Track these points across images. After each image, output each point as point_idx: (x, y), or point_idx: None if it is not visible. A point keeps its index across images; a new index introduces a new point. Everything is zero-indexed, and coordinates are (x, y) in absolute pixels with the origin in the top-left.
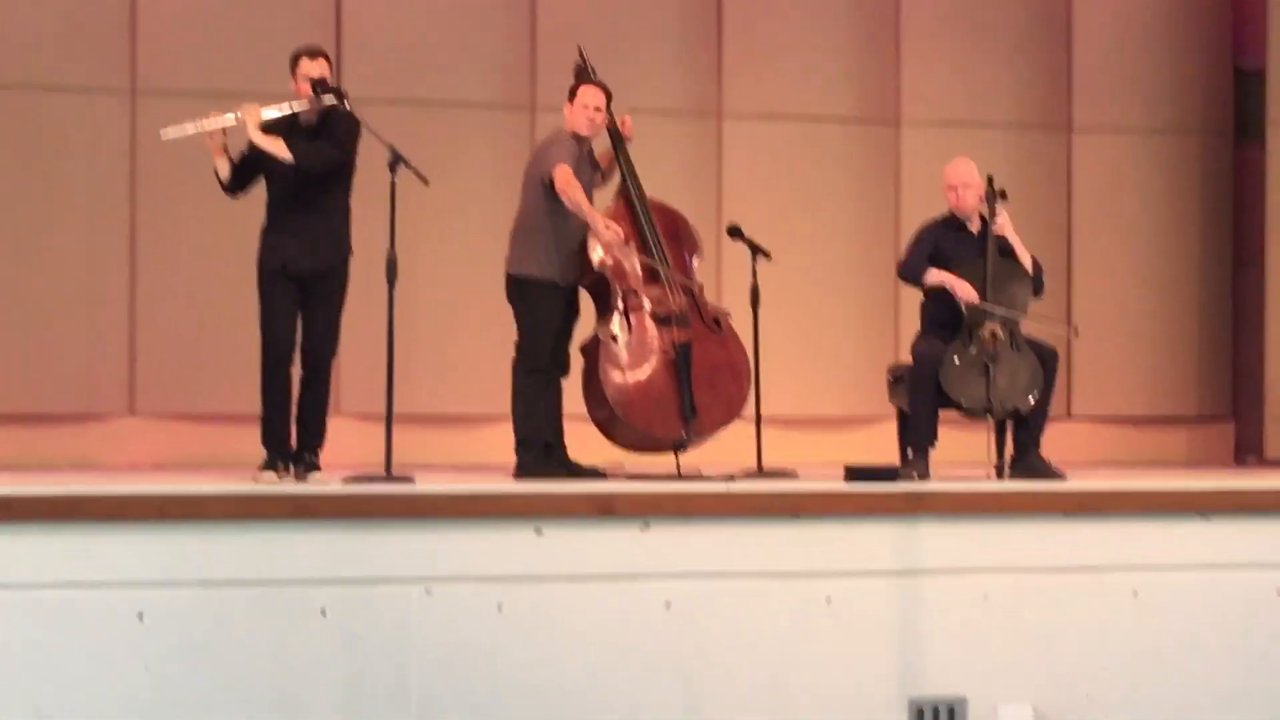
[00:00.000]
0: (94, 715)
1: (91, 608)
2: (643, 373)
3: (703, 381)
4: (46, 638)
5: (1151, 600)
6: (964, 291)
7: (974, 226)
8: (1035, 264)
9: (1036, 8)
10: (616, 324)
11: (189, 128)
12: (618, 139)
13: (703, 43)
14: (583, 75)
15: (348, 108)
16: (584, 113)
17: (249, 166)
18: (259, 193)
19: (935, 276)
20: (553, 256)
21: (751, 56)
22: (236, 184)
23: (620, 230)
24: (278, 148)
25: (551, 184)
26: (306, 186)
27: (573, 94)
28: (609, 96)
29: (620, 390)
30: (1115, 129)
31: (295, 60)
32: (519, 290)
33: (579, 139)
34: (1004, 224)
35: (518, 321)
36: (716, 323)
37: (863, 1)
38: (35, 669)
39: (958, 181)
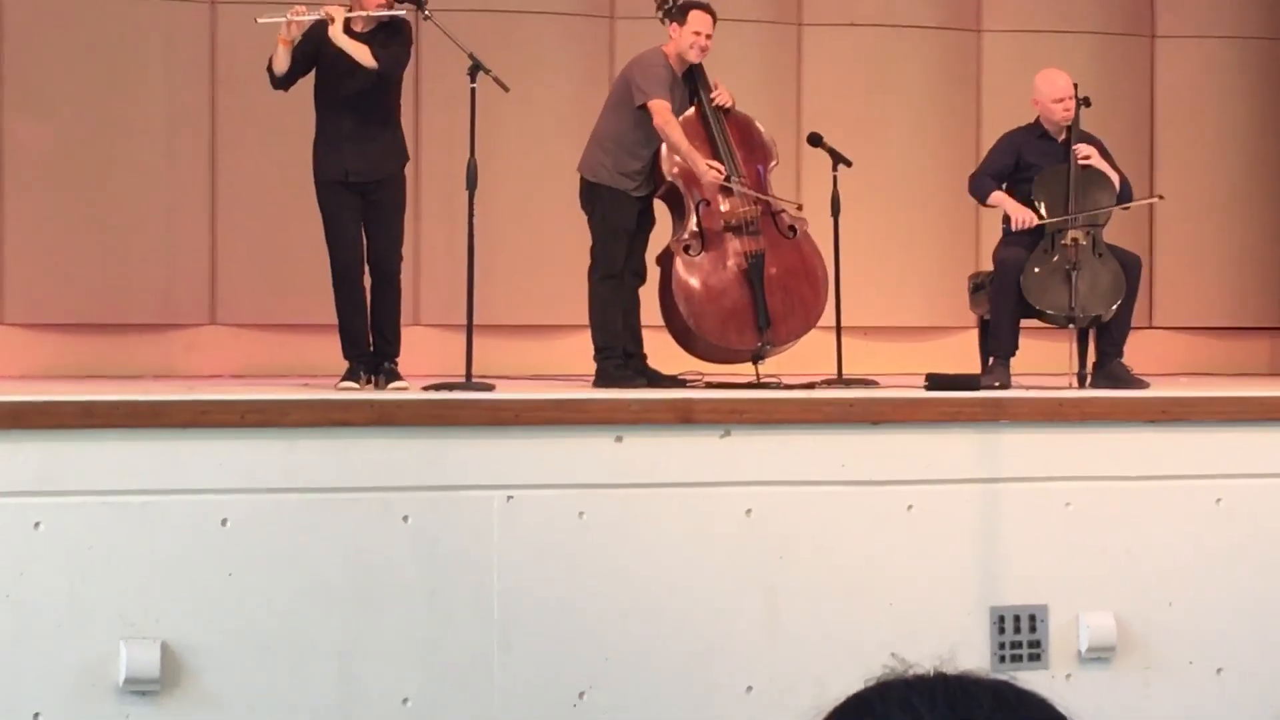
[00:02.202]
0: (177, 620)
1: (175, 514)
2: (715, 283)
3: (777, 291)
4: (130, 543)
5: (1234, 507)
6: (1020, 218)
7: (1059, 136)
8: (1122, 179)
9: None
10: (689, 233)
11: (281, 18)
12: (703, 81)
13: None
14: None
15: (427, 14)
16: (695, 39)
17: (301, 63)
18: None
19: (996, 198)
20: (627, 166)
21: None
22: (289, 79)
23: (722, 170)
24: (361, 52)
25: (643, 107)
26: (363, 94)
27: (682, 15)
28: (714, 19)
29: (693, 301)
30: (1200, 33)
31: None
32: (592, 195)
33: (673, 63)
34: (1089, 154)
35: (591, 227)
36: (792, 230)
37: None
38: (119, 574)
39: (1061, 95)
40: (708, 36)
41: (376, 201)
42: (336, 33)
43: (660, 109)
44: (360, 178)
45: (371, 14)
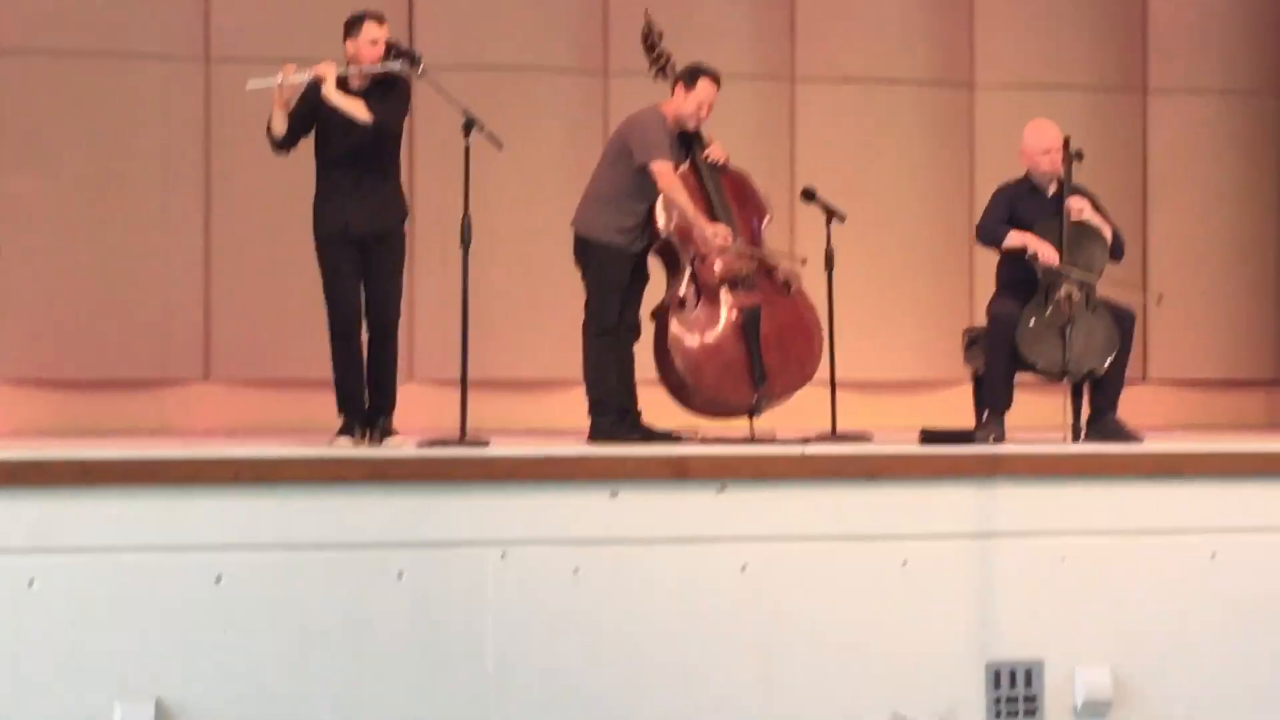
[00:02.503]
0: (172, 678)
1: (170, 570)
2: (711, 338)
3: (772, 345)
4: (126, 600)
5: (1229, 562)
6: (1045, 253)
7: (1050, 189)
8: (1115, 232)
9: None
10: (685, 289)
11: (272, 80)
12: (699, 141)
13: (775, 6)
14: (649, 39)
15: (421, 71)
16: (698, 108)
17: (300, 123)
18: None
19: (1015, 238)
20: (622, 223)
21: (824, 18)
22: (290, 141)
23: (728, 234)
24: (356, 107)
25: (643, 167)
26: (363, 150)
27: (692, 81)
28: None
29: (689, 355)
30: (1191, 90)
31: (358, 23)
32: (586, 251)
33: (670, 125)
34: (1082, 208)
35: (585, 283)
36: (786, 285)
37: None
38: (114, 632)
39: (1050, 145)
40: (709, 106)
41: (376, 256)
42: (329, 90)
43: (664, 171)
44: (361, 231)
45: (366, 70)
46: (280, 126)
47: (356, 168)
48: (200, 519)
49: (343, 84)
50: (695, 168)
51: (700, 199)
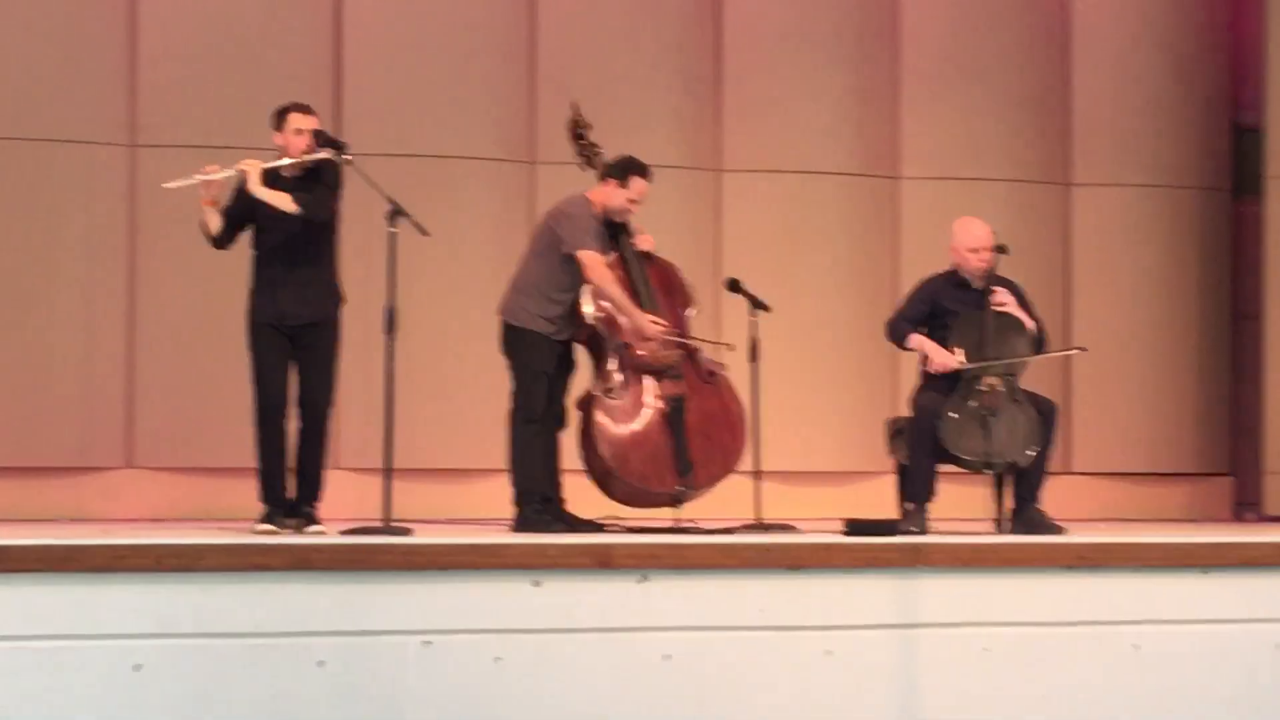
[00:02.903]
0: None
1: (88, 659)
2: (636, 427)
3: (697, 435)
4: (42, 689)
5: (1152, 654)
6: (940, 362)
7: (976, 283)
8: (1038, 324)
9: (1036, 63)
10: (610, 378)
11: (192, 180)
12: (625, 228)
13: (701, 96)
14: (577, 129)
15: (348, 158)
16: (629, 205)
17: (237, 218)
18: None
19: (915, 341)
20: (548, 312)
21: (750, 110)
22: (227, 237)
23: (666, 326)
24: (282, 201)
25: (571, 256)
26: (297, 239)
27: (624, 177)
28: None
29: (614, 444)
30: (1114, 183)
31: (284, 115)
32: (514, 339)
33: (598, 214)
34: (1006, 302)
35: (512, 371)
36: (711, 375)
37: (862, 56)
38: None
39: (979, 245)
40: (640, 203)
41: (309, 345)
42: (253, 185)
43: (593, 262)
44: (294, 321)
45: (292, 161)
46: (213, 225)
47: (290, 258)
48: (119, 607)
49: (276, 176)
50: (623, 258)
51: (628, 289)
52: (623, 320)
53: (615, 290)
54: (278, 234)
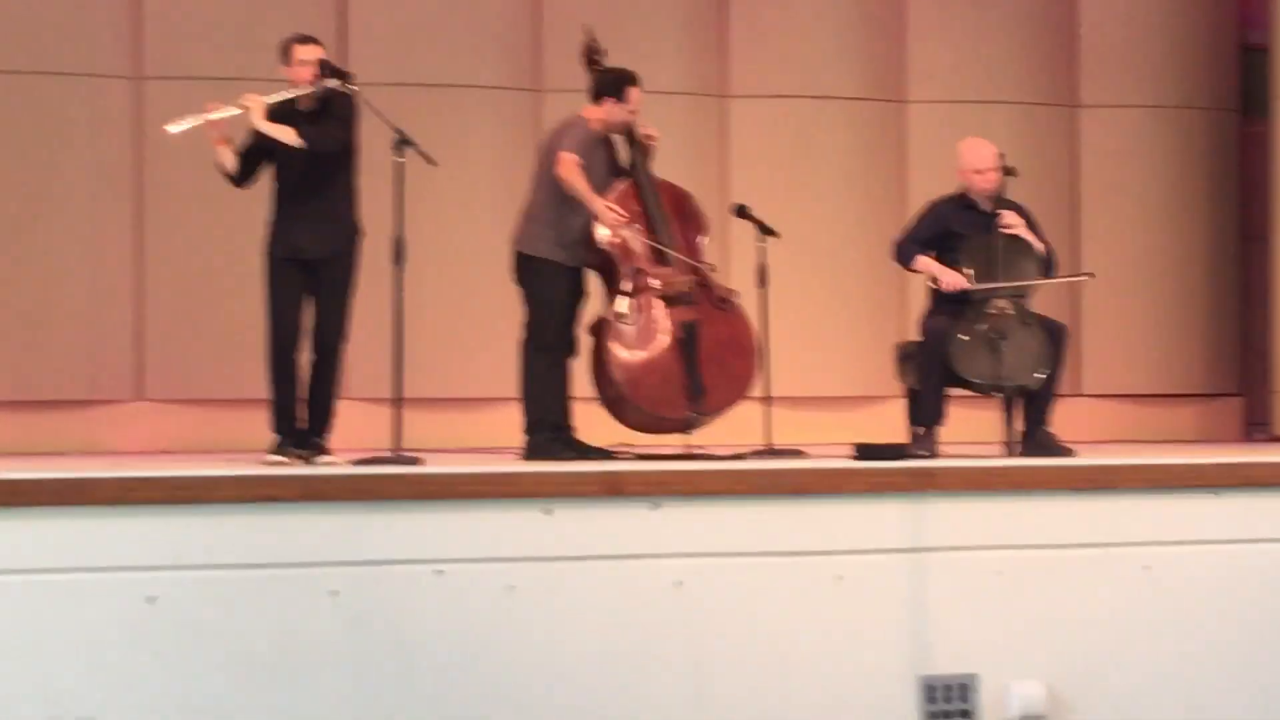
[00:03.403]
0: (103, 699)
1: (100, 591)
2: (648, 352)
3: (710, 361)
4: (55, 622)
5: (1163, 575)
6: (949, 281)
7: (985, 205)
8: (1048, 247)
9: None
10: (622, 303)
11: (193, 120)
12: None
13: (707, 23)
14: (591, 56)
15: (354, 89)
16: (630, 116)
17: (255, 156)
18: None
19: (921, 264)
20: (561, 237)
21: (756, 36)
22: (243, 175)
23: (623, 212)
24: (287, 135)
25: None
26: (313, 172)
27: (619, 92)
28: None
29: (626, 370)
30: (1122, 104)
31: (289, 47)
32: (526, 268)
33: (597, 130)
34: (1014, 224)
35: (525, 300)
36: (724, 301)
37: None
38: (44, 653)
39: (984, 165)
40: (638, 111)
41: (324, 278)
42: (257, 120)
43: (564, 159)
44: (310, 255)
45: (295, 93)
46: (228, 163)
47: (306, 192)
48: (131, 539)
49: (292, 110)
50: (638, 184)
51: (641, 215)
52: (635, 245)
53: (578, 181)
54: (293, 169)
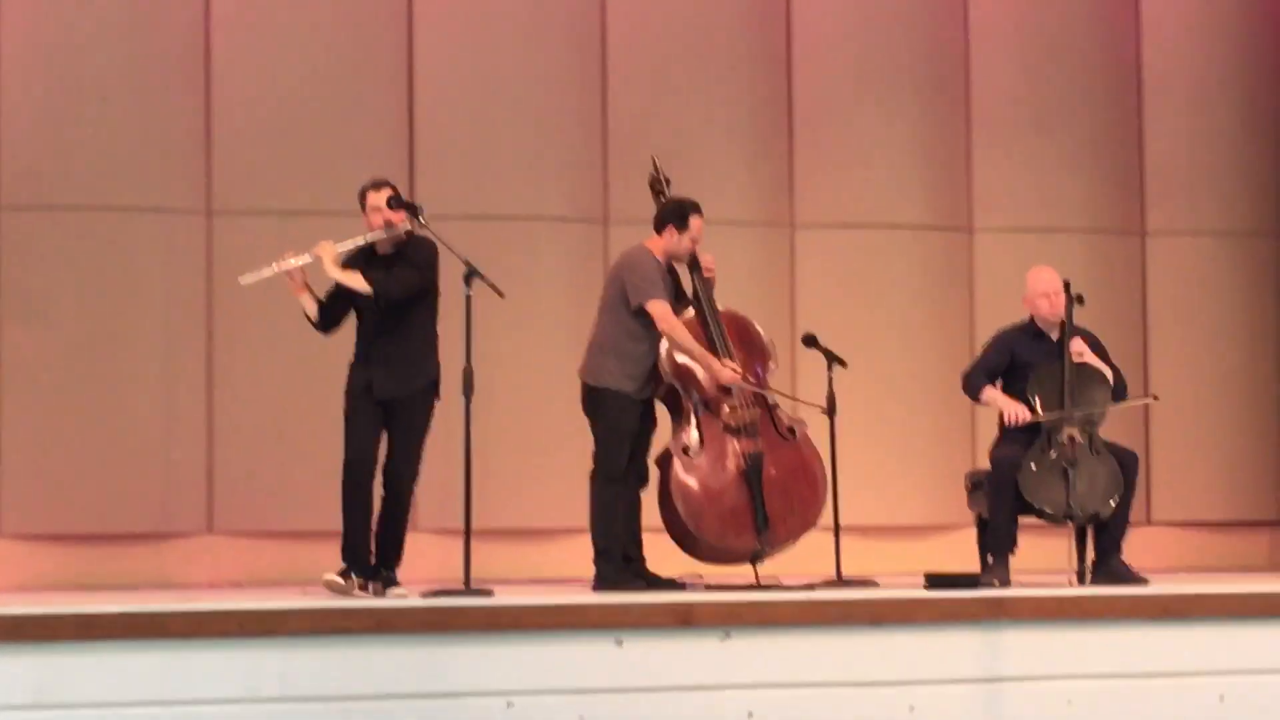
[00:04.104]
0: None
1: None
2: (714, 484)
3: (775, 492)
4: None
5: (1238, 705)
6: (1011, 414)
7: (1053, 333)
8: (1116, 373)
9: (1106, 110)
10: (688, 435)
11: (266, 271)
12: (692, 255)
13: (773, 152)
14: (656, 185)
15: (422, 221)
16: (692, 245)
17: (340, 301)
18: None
19: (988, 395)
20: (627, 369)
21: (822, 165)
22: (327, 320)
23: (739, 370)
24: (355, 281)
25: (640, 309)
26: (390, 315)
27: (681, 221)
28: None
29: (691, 502)
30: (1189, 231)
31: (364, 195)
32: (594, 399)
33: (660, 260)
34: (1081, 351)
35: (594, 432)
36: (792, 431)
37: (933, 107)
38: None
39: (1050, 289)
40: (701, 238)
41: (398, 417)
42: (328, 267)
43: (662, 311)
44: (384, 396)
45: (368, 240)
46: (310, 310)
47: (383, 334)
48: (203, 672)
49: (372, 255)
50: (701, 314)
51: (705, 345)
52: (701, 376)
53: (687, 337)
54: (371, 312)
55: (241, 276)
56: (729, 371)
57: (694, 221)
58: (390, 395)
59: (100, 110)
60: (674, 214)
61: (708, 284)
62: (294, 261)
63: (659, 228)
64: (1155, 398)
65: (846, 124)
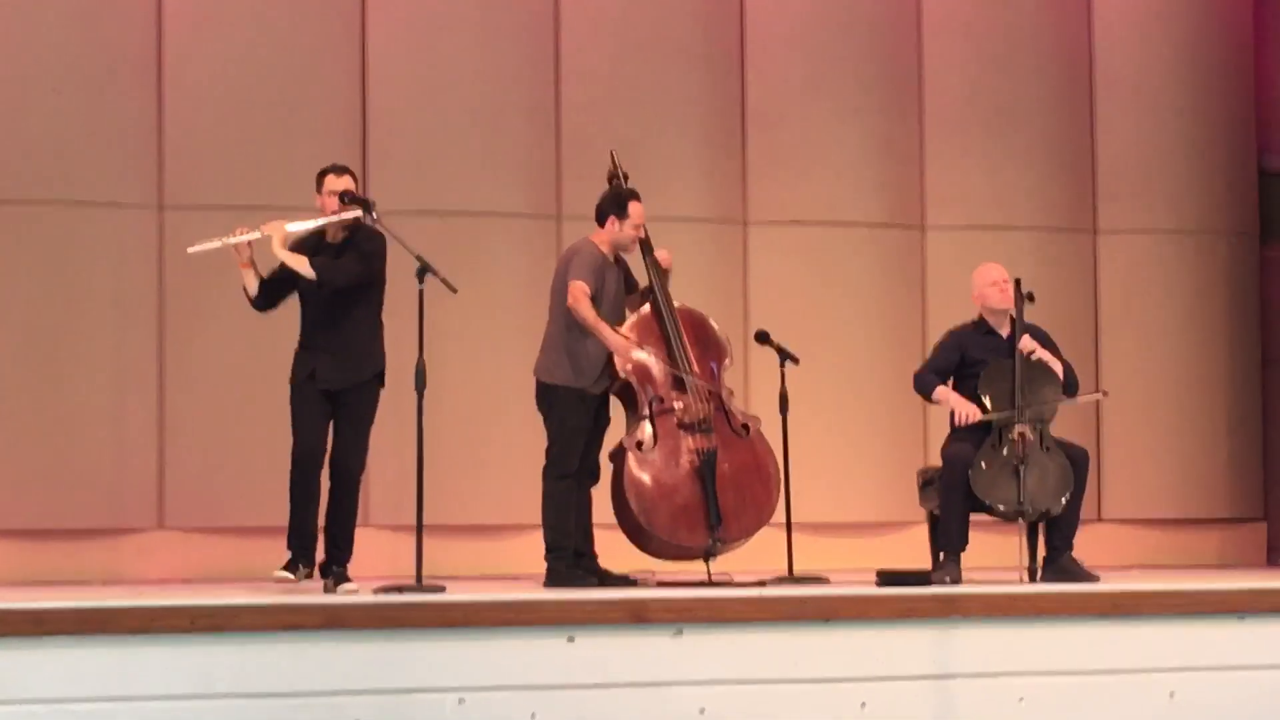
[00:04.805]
0: None
1: None
2: (667, 480)
3: (729, 488)
4: None
5: (1188, 702)
6: (963, 414)
7: (1003, 330)
8: (1067, 368)
9: (1058, 109)
10: (642, 431)
11: (215, 243)
12: (646, 246)
13: (727, 149)
14: (614, 180)
15: (374, 218)
16: (634, 231)
17: (281, 283)
18: (286, 305)
19: (940, 394)
20: (581, 365)
21: (776, 162)
22: (266, 300)
23: (635, 339)
24: (300, 264)
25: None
26: (336, 304)
27: (619, 210)
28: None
29: (644, 498)
30: (1141, 229)
31: (321, 177)
32: (548, 397)
33: (606, 252)
34: (1033, 348)
35: (548, 428)
36: (745, 428)
37: (886, 105)
38: None
39: (999, 278)
40: (642, 225)
41: (344, 406)
42: (276, 247)
43: (575, 288)
44: (328, 385)
45: (320, 223)
46: (251, 287)
47: (327, 322)
48: (155, 668)
49: (320, 241)
50: (656, 310)
51: (660, 341)
52: (656, 372)
53: (589, 313)
54: (316, 299)
55: (190, 246)
56: (624, 342)
57: (633, 207)
58: (335, 385)
59: (51, 103)
60: (612, 203)
61: (661, 273)
62: (244, 237)
63: (600, 219)
64: (1105, 393)
65: (800, 121)
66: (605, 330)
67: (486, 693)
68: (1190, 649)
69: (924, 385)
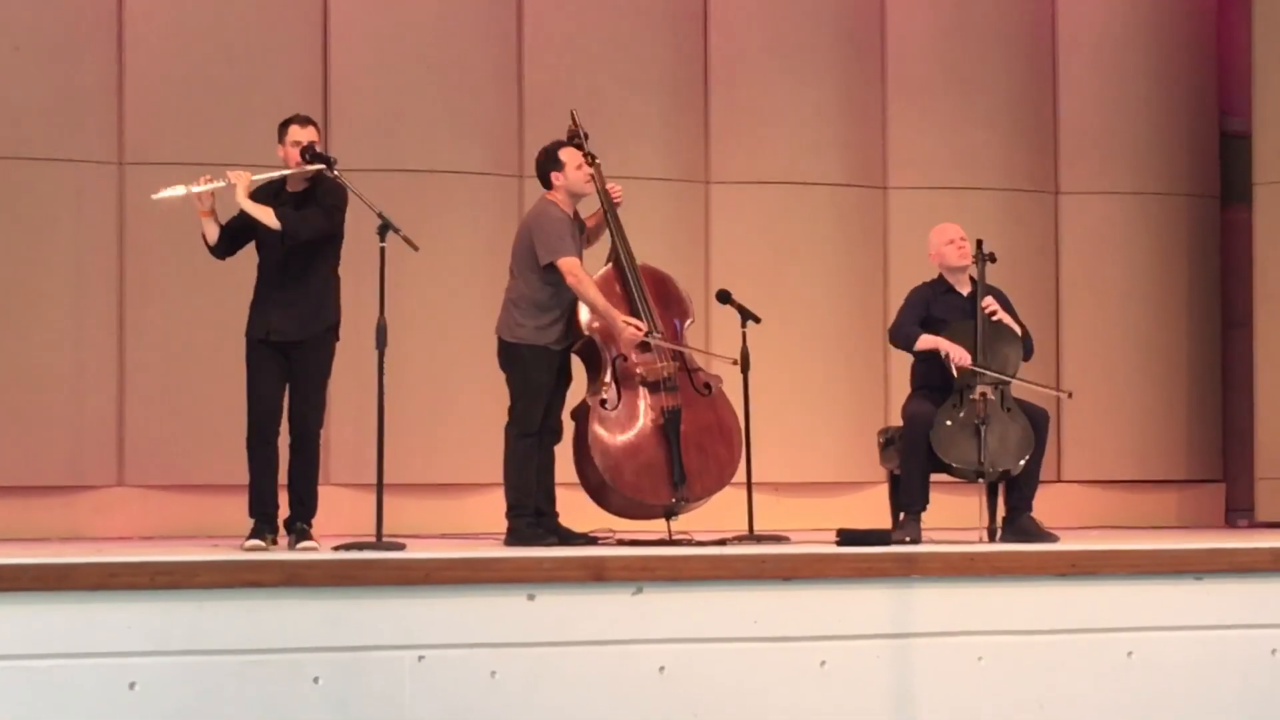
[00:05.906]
0: None
1: (82, 677)
2: (631, 438)
3: (692, 447)
4: (36, 708)
5: (1146, 661)
6: (958, 355)
7: (963, 289)
8: (1025, 332)
9: (1022, 73)
10: (605, 389)
11: (180, 190)
12: (609, 204)
13: (689, 108)
14: (575, 138)
15: (335, 174)
16: (579, 173)
17: (239, 233)
18: (247, 262)
19: (928, 341)
20: (542, 324)
21: (737, 121)
22: (225, 248)
23: (641, 328)
24: (265, 215)
25: (550, 265)
26: (294, 255)
27: (555, 161)
28: (592, 157)
29: (608, 456)
30: (1102, 190)
31: (285, 127)
32: (509, 354)
33: (566, 210)
34: (996, 310)
35: (510, 386)
36: (707, 387)
37: (848, 65)
38: None
39: (955, 235)
40: (584, 166)
41: (300, 362)
42: (239, 196)
43: (571, 267)
44: (282, 338)
45: (282, 174)
46: (210, 234)
47: (284, 274)
48: (113, 625)
49: (280, 191)
50: (619, 268)
51: (623, 300)
52: (611, 325)
53: (594, 293)
54: (273, 250)
55: (155, 193)
56: (631, 330)
57: (564, 153)
58: (290, 338)
59: (11, 59)
60: (547, 161)
61: (622, 227)
62: (209, 185)
63: (545, 182)
64: (1069, 394)
65: (762, 81)
66: (615, 315)
67: (446, 650)
68: (1148, 609)
69: (906, 337)
